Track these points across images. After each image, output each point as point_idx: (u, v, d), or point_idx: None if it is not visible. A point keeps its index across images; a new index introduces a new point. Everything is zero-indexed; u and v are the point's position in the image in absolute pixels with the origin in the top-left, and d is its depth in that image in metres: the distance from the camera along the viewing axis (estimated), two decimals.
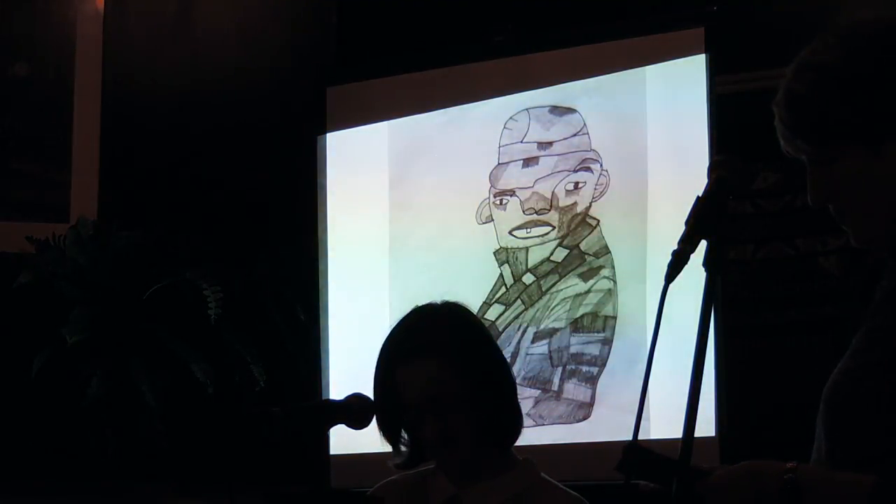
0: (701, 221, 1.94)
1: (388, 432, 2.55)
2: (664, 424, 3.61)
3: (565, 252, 4.07)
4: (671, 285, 1.91)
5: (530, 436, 3.97)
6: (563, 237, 4.08)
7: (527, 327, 4.09)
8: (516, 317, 4.11)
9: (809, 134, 1.96)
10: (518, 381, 4.01)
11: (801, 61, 1.98)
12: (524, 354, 4.07)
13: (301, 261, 4.41)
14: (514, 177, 4.16)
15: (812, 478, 1.83)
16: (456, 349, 2.50)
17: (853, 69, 1.93)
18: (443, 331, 2.54)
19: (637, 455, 1.87)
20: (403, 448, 2.57)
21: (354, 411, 2.48)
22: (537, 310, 4.08)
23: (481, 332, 2.62)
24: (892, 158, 1.92)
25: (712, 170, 2.01)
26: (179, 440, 4.18)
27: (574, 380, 3.99)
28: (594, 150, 4.06)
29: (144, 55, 4.71)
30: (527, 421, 3.97)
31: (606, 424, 3.91)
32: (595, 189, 4.04)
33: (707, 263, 1.93)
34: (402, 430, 2.56)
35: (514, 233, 4.15)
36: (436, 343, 2.50)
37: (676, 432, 1.86)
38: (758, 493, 1.83)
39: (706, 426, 3.60)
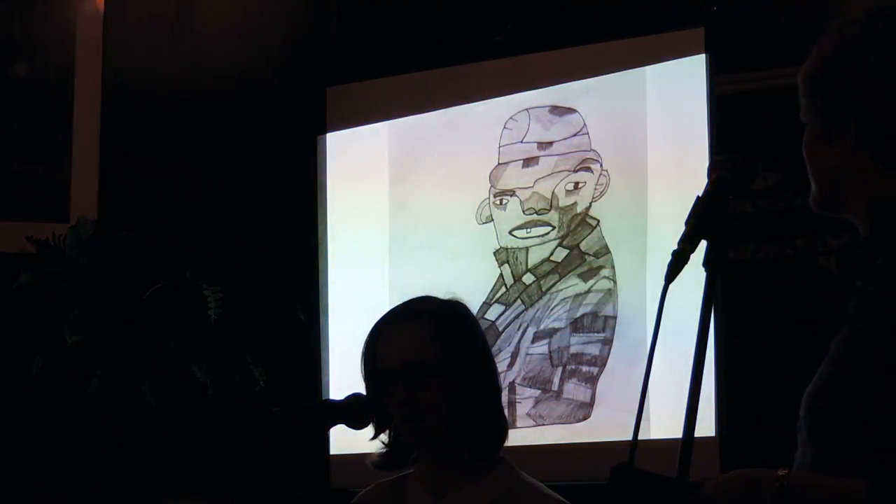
0: (701, 221, 1.95)
1: (373, 409, 2.52)
2: (664, 424, 3.61)
3: (565, 252, 4.07)
4: (671, 285, 1.91)
5: (530, 436, 3.98)
6: (563, 237, 4.08)
7: (527, 327, 4.09)
8: (516, 317, 4.11)
9: (803, 93, 2.05)
10: (518, 381, 4.03)
11: (833, 25, 2.04)
12: (524, 354, 4.07)
13: (301, 261, 4.41)
14: (514, 177, 4.16)
15: (805, 484, 1.82)
16: (441, 323, 2.49)
17: (834, 56, 1.99)
18: (433, 306, 2.55)
19: (625, 475, 1.86)
20: (383, 445, 2.56)
21: (354, 411, 2.47)
22: (537, 310, 4.08)
23: (475, 328, 2.60)
24: (836, 146, 1.98)
25: (712, 170, 2.01)
26: (179, 440, 4.18)
27: (574, 380, 3.99)
28: (594, 150, 4.06)
29: (144, 55, 4.71)
30: (527, 421, 4.01)
31: (606, 424, 3.91)
32: (595, 189, 4.04)
33: (707, 263, 1.93)
34: (387, 431, 2.54)
35: (514, 233, 4.15)
36: (423, 312, 2.51)
37: (676, 432, 1.86)
38: (751, 501, 1.83)
39: (706, 426, 3.60)
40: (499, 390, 2.56)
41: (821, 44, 2.02)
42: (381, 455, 2.55)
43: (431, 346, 2.46)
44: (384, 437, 2.55)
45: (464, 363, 2.47)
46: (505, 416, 2.56)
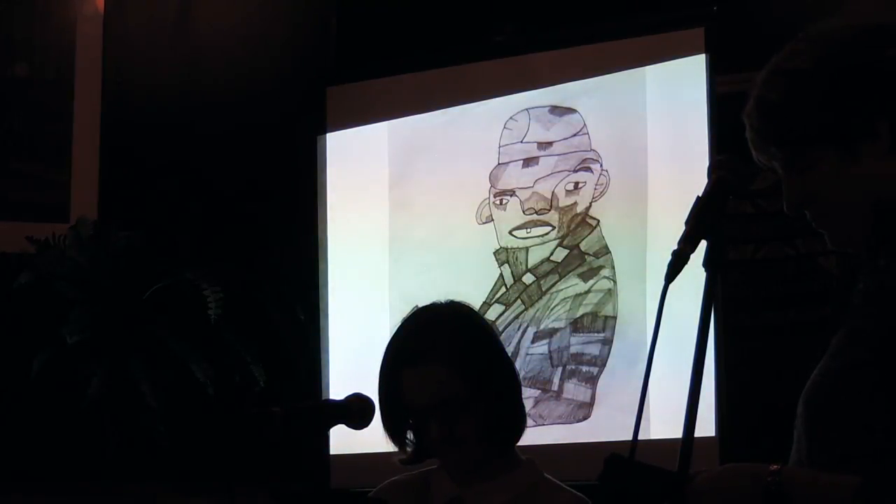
0: (701, 221, 1.94)
1: (392, 433, 2.54)
2: (664, 424, 3.61)
3: (565, 252, 4.07)
4: (671, 285, 1.91)
5: (530, 436, 3.94)
6: (563, 237, 4.08)
7: (527, 327, 4.09)
8: (516, 317, 4.11)
9: (783, 141, 1.97)
10: None
11: (772, 69, 1.99)
12: (524, 354, 4.07)
13: (301, 261, 4.41)
14: (514, 177, 4.16)
15: (796, 480, 1.83)
16: (462, 353, 2.49)
17: (825, 74, 1.93)
18: (449, 334, 2.52)
19: (619, 465, 1.86)
20: (408, 446, 2.57)
21: (354, 411, 2.47)
22: (537, 310, 4.08)
23: (486, 333, 2.61)
24: (866, 161, 1.92)
25: (713, 170, 2.01)
26: (179, 440, 4.18)
27: (574, 380, 3.99)
28: (594, 150, 4.06)
29: (144, 55, 4.71)
30: (527, 421, 4.00)
31: (606, 424, 3.91)
32: (595, 189, 4.04)
33: (707, 263, 1.93)
34: (408, 431, 2.56)
35: (514, 233, 4.15)
36: (442, 347, 2.49)
37: (676, 432, 1.86)
38: (741, 496, 1.83)
39: (706, 426, 3.60)
40: (519, 385, 2.59)
41: (785, 82, 1.95)
42: (408, 454, 2.57)
43: (457, 381, 2.46)
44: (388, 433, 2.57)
45: (489, 384, 2.49)
46: (524, 407, 2.58)
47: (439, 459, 2.56)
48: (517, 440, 2.58)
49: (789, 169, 1.98)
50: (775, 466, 1.83)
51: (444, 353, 2.48)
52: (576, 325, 4.01)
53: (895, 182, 1.92)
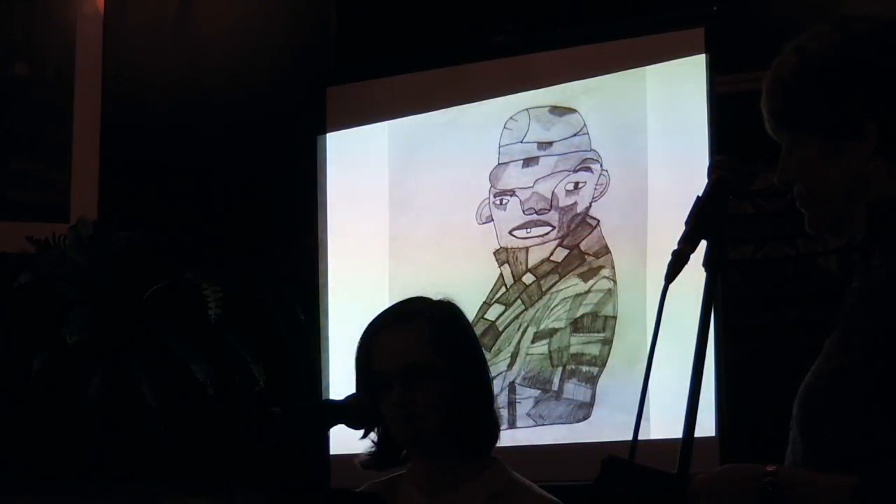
0: (701, 221, 1.95)
1: (365, 408, 2.53)
2: (664, 424, 3.61)
3: (565, 252, 4.07)
4: (671, 285, 1.91)
5: (530, 436, 3.98)
6: (563, 237, 4.08)
7: (527, 327, 4.09)
8: (516, 317, 4.11)
9: (780, 117, 2.00)
10: (518, 381, 4.04)
11: (794, 44, 2.00)
12: (524, 354, 4.07)
13: (301, 261, 4.41)
14: (514, 177, 4.16)
15: (793, 480, 1.83)
16: (438, 327, 2.51)
17: (827, 65, 1.95)
18: (430, 310, 2.56)
19: (616, 467, 1.86)
20: (372, 444, 2.56)
21: (354, 411, 2.48)
22: (537, 310, 4.08)
23: (468, 329, 2.62)
24: (851, 158, 1.94)
25: (713, 170, 2.01)
26: (179, 440, 4.18)
27: (574, 380, 3.99)
28: (594, 150, 4.06)
29: (144, 55, 4.71)
30: (527, 421, 4.01)
31: (606, 424, 3.91)
32: (595, 189, 4.04)
33: (707, 263, 1.93)
34: (377, 428, 2.55)
35: (514, 233, 4.15)
36: (421, 317, 2.53)
37: (676, 432, 1.86)
38: (740, 496, 1.83)
39: (706, 426, 3.60)
40: (491, 390, 2.57)
41: (796, 62, 1.98)
42: (370, 455, 2.56)
43: (427, 349, 2.48)
44: (374, 436, 2.56)
45: (457, 365, 2.49)
46: (497, 416, 2.57)
47: (396, 435, 2.52)
48: (491, 448, 2.55)
49: (786, 145, 2.01)
50: (772, 467, 1.83)
51: (419, 319, 2.51)
52: (576, 325, 4.01)
53: (880, 182, 1.93)
